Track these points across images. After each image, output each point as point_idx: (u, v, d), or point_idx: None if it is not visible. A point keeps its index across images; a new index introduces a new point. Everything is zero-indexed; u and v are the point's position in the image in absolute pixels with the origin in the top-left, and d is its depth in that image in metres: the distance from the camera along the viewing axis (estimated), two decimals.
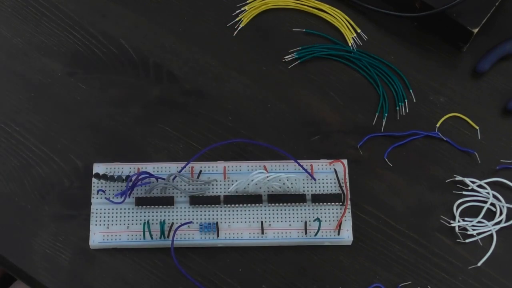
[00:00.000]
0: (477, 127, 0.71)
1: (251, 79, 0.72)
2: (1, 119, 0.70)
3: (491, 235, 0.67)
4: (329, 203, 0.66)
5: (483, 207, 0.68)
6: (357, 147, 0.70)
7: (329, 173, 0.68)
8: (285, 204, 0.66)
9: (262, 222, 0.66)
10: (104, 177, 0.66)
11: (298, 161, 0.67)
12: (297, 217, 0.66)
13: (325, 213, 0.66)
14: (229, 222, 0.66)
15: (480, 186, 0.68)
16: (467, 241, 0.67)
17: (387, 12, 0.74)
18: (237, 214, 0.66)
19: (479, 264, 0.66)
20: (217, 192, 0.67)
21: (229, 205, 0.66)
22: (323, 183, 0.67)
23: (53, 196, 0.67)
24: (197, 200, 0.66)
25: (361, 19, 0.76)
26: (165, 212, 0.66)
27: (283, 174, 0.66)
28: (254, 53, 0.74)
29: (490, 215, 0.68)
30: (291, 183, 0.66)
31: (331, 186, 0.67)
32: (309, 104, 0.72)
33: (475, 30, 0.71)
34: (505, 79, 0.74)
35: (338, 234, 0.66)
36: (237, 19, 0.75)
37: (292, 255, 0.66)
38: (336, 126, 0.71)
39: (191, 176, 0.67)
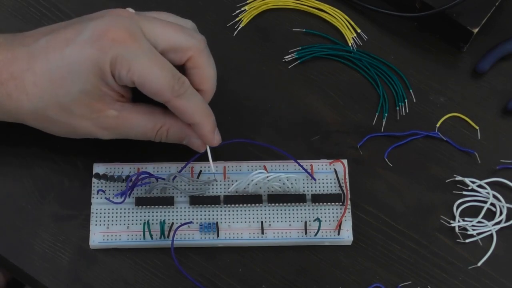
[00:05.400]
0: (477, 127, 0.71)
1: (251, 79, 0.72)
2: None
3: (491, 235, 0.67)
4: (329, 203, 0.66)
5: (483, 207, 0.68)
6: (357, 147, 0.70)
7: (329, 173, 0.68)
8: (285, 204, 0.66)
9: (262, 222, 0.66)
10: (104, 177, 0.66)
11: (298, 161, 0.67)
12: (297, 217, 0.66)
13: (325, 213, 0.66)
14: (229, 222, 0.66)
15: (480, 186, 0.68)
16: (467, 241, 0.67)
17: (387, 12, 0.74)
18: (237, 214, 0.66)
19: (479, 264, 0.66)
20: (217, 192, 0.67)
21: (229, 205, 0.66)
22: (323, 183, 0.67)
23: (53, 196, 0.67)
24: (197, 200, 0.66)
25: (361, 19, 0.75)
26: (165, 212, 0.66)
27: (283, 174, 0.66)
28: (254, 53, 0.74)
29: (490, 215, 0.68)
30: (291, 183, 0.66)
31: (331, 186, 0.67)
32: (309, 104, 0.72)
33: (475, 30, 0.71)
34: (505, 79, 0.74)
35: (338, 234, 0.66)
36: (237, 19, 0.75)
37: (292, 255, 0.66)
38: (336, 126, 0.71)
39: (191, 176, 0.67)
